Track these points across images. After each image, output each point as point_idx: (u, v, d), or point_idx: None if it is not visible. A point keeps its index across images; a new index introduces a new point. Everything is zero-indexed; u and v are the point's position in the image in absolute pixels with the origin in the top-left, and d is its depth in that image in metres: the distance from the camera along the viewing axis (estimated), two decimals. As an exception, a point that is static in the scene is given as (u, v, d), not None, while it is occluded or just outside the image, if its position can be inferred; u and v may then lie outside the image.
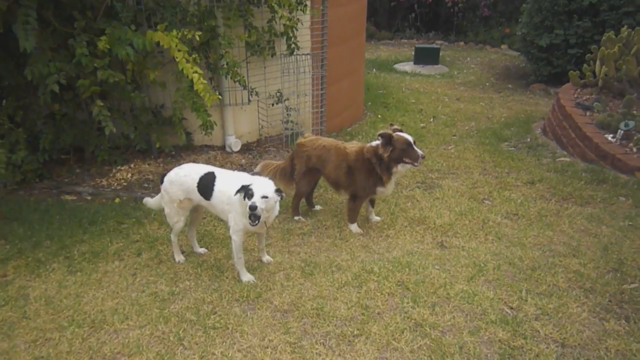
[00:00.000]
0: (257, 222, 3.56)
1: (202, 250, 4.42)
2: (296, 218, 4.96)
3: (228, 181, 3.78)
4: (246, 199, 3.52)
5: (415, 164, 4.39)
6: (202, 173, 3.93)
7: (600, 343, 3.22)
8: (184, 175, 3.97)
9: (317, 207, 5.21)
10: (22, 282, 4.00)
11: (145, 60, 5.53)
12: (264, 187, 3.57)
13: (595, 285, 3.81)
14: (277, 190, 3.68)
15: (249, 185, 3.55)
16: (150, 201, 4.41)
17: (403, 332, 3.30)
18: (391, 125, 4.65)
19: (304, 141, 4.90)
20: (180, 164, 4.24)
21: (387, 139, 4.35)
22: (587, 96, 7.36)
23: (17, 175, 5.50)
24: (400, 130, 4.49)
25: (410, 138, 4.37)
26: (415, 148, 4.35)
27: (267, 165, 5.17)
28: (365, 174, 4.51)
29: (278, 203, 3.86)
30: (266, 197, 3.51)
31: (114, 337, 3.35)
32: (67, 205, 5.28)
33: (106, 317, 3.53)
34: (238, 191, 3.59)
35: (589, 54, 7.91)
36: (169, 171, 4.09)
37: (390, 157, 4.35)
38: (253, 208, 3.45)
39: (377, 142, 4.46)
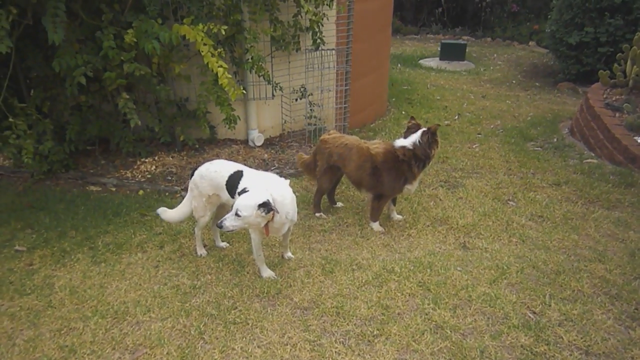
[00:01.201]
0: (229, 231, 3.58)
1: (223, 244, 4.45)
2: (317, 215, 4.95)
3: (250, 181, 3.75)
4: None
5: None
6: (231, 171, 3.93)
7: (626, 352, 3.15)
8: (215, 171, 3.99)
9: (339, 204, 5.19)
10: (47, 271, 4.08)
11: (171, 53, 5.56)
12: (248, 200, 3.46)
13: (621, 292, 3.73)
14: (263, 205, 3.45)
15: (241, 192, 3.56)
16: (167, 213, 4.24)
17: (423, 334, 3.28)
18: (412, 119, 4.61)
19: (327, 138, 4.88)
20: (204, 158, 4.26)
21: (433, 134, 4.35)
22: (617, 96, 7.19)
23: (44, 166, 5.61)
24: (419, 124, 4.49)
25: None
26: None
27: (299, 158, 5.26)
28: (395, 174, 4.47)
29: (294, 207, 3.79)
30: (239, 215, 3.43)
31: (136, 328, 3.39)
32: (92, 196, 5.36)
33: (129, 309, 3.58)
34: (238, 193, 3.62)
35: (620, 53, 7.71)
36: (199, 165, 4.13)
37: (435, 152, 4.43)
38: (219, 226, 3.49)
39: (404, 140, 4.43)
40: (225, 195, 3.96)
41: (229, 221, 3.46)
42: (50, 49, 4.99)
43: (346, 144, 4.73)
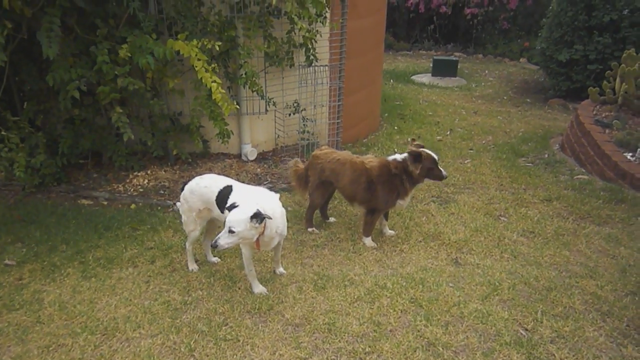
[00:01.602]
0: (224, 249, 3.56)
1: (215, 259, 4.43)
2: (310, 230, 4.95)
3: (240, 196, 3.74)
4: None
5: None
6: (221, 186, 3.93)
7: (617, 369, 3.16)
8: (205, 187, 3.98)
9: (331, 220, 5.19)
10: (37, 286, 4.04)
11: (165, 68, 5.58)
12: (239, 214, 3.44)
13: (612, 308, 3.74)
14: (254, 217, 3.42)
15: (230, 207, 3.54)
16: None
17: (415, 351, 3.27)
18: (413, 140, 4.68)
19: (319, 153, 4.90)
20: (196, 172, 4.25)
21: (417, 157, 4.37)
22: (607, 113, 7.27)
23: (36, 179, 5.58)
24: (422, 146, 4.52)
25: (435, 157, 4.43)
26: (440, 168, 4.45)
27: (295, 165, 5.22)
28: (389, 188, 4.51)
29: (284, 221, 3.82)
30: (232, 232, 3.41)
31: (125, 345, 3.36)
32: (83, 210, 5.33)
33: (119, 325, 3.54)
34: (226, 208, 3.60)
35: (608, 71, 7.81)
36: (190, 180, 4.12)
37: (420, 173, 4.41)
38: (214, 246, 3.46)
39: (398, 155, 4.48)
40: (216, 210, 3.95)
41: (223, 239, 3.44)
42: (45, 62, 5.00)
43: (338, 159, 4.75)
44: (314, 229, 4.96)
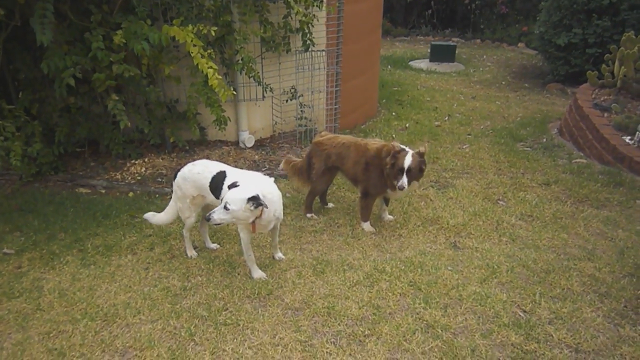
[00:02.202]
0: (216, 224, 3.58)
1: (214, 245, 4.43)
2: (309, 215, 4.95)
3: (235, 180, 3.75)
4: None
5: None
6: (214, 172, 3.92)
7: (615, 349, 3.17)
8: (197, 173, 3.96)
9: (330, 205, 5.19)
10: (36, 274, 4.04)
11: (161, 54, 5.54)
12: (237, 194, 3.47)
13: (610, 290, 3.76)
14: (252, 199, 3.44)
15: (231, 186, 3.56)
16: (156, 217, 4.25)
17: (414, 333, 3.28)
18: (394, 145, 4.35)
19: (322, 140, 4.87)
20: (194, 159, 4.24)
21: (394, 154, 4.27)
22: (605, 97, 7.25)
23: (33, 168, 5.56)
24: (403, 149, 4.28)
25: (406, 165, 4.18)
26: (404, 177, 4.20)
27: (288, 162, 5.17)
28: (379, 172, 4.48)
29: (281, 204, 3.82)
30: (227, 209, 3.42)
31: (126, 331, 3.37)
32: (81, 198, 5.32)
33: (119, 311, 3.55)
34: (228, 187, 3.60)
35: (607, 54, 7.78)
36: (182, 167, 4.10)
37: (390, 170, 4.29)
38: (207, 218, 3.48)
39: (397, 144, 4.37)
40: (210, 196, 3.95)
41: (217, 214, 3.45)
42: (39, 50, 4.95)
43: (343, 143, 4.74)
44: (312, 214, 4.96)
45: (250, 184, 3.58)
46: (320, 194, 5.07)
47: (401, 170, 4.20)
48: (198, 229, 4.47)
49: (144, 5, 5.09)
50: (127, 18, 5.00)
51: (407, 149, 4.31)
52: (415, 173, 4.27)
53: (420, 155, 4.28)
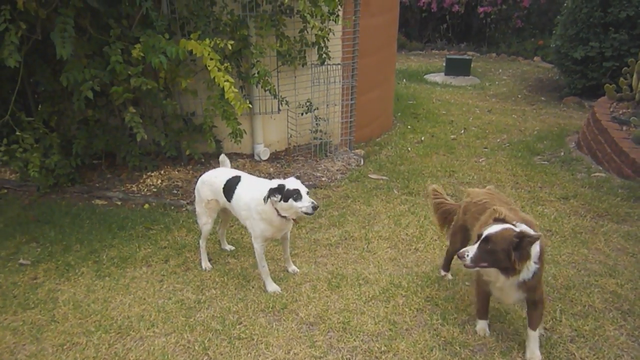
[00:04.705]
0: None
1: (229, 247, 4.54)
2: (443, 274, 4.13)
3: (248, 186, 3.86)
4: (290, 201, 3.54)
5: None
6: (230, 176, 4.03)
7: (640, 369, 3.08)
8: (215, 177, 4.11)
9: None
10: (51, 285, 4.05)
11: (178, 68, 5.59)
12: (296, 184, 3.62)
13: (633, 307, 3.66)
14: (276, 189, 3.59)
15: (284, 186, 3.58)
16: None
17: (432, 350, 3.22)
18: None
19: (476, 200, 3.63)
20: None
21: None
22: (624, 110, 7.15)
23: (50, 179, 5.61)
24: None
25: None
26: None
27: (436, 193, 4.29)
28: None
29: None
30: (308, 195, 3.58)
31: (139, 344, 3.35)
32: (97, 210, 5.35)
33: (132, 324, 3.54)
34: (272, 193, 3.58)
35: (625, 67, 7.69)
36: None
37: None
38: (315, 208, 3.51)
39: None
40: (222, 199, 4.03)
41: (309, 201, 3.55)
42: (59, 63, 5.02)
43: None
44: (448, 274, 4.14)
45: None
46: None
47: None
48: (216, 230, 4.56)
49: (162, 20, 5.15)
50: (145, 32, 5.05)
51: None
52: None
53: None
